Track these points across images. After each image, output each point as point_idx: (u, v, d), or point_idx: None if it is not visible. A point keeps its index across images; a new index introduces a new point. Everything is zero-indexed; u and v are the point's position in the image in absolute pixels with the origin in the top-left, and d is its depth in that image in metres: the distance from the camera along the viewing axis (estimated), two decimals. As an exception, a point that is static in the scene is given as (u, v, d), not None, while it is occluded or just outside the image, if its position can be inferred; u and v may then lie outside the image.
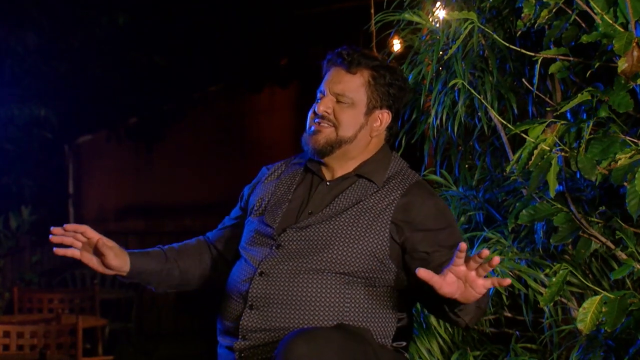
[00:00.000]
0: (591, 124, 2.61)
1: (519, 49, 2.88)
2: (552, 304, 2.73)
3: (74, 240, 2.45)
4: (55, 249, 2.45)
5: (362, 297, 2.39)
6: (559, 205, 2.83)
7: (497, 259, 2.07)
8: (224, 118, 10.43)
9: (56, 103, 8.61)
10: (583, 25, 2.73)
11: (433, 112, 3.20)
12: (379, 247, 2.39)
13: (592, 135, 2.62)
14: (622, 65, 2.47)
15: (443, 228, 2.43)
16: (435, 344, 3.24)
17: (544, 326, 3.12)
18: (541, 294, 2.94)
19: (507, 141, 3.13)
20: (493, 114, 3.06)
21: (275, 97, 10.16)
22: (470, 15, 2.76)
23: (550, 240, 2.86)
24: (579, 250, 2.87)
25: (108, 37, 8.72)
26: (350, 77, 2.49)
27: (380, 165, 2.52)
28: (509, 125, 2.83)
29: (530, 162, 2.65)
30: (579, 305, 2.83)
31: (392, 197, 2.44)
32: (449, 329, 3.26)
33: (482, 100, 3.05)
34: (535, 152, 2.65)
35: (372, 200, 2.45)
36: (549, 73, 2.85)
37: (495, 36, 2.92)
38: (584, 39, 2.57)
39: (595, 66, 2.63)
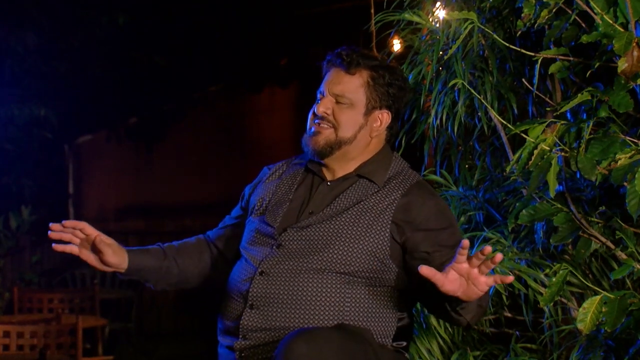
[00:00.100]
0: (591, 124, 2.61)
1: (519, 49, 2.88)
2: (552, 304, 2.73)
3: (73, 236, 2.46)
4: (54, 245, 2.46)
5: (362, 296, 2.39)
6: (559, 205, 2.83)
7: (499, 256, 2.07)
8: (224, 118, 10.43)
9: (56, 103, 8.61)
10: (583, 25, 2.73)
11: (433, 112, 3.20)
12: (379, 246, 2.39)
13: (592, 135, 2.62)
14: (622, 65, 2.47)
15: (444, 228, 2.43)
16: (435, 344, 3.24)
17: (544, 326, 3.12)
18: (541, 294, 2.94)
19: (507, 141, 3.13)
20: (493, 114, 3.06)
21: (275, 97, 10.16)
22: (470, 15, 2.76)
23: (550, 240, 2.86)
24: (579, 250, 2.87)
25: (108, 37, 8.72)
26: (349, 78, 2.49)
27: (381, 166, 2.52)
28: (509, 125, 2.83)
29: (530, 162, 2.65)
30: (579, 305, 2.83)
31: (392, 197, 2.45)
32: (449, 329, 3.26)
33: (482, 100, 3.06)
34: (535, 152, 2.65)
35: (372, 200, 2.45)
36: (549, 73, 2.85)
37: (495, 36, 2.92)
38: (584, 39, 2.57)
39: (595, 66, 2.63)
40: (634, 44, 2.46)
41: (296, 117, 9.41)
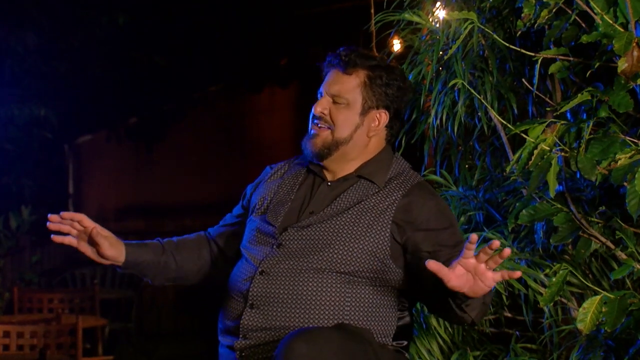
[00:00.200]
0: (591, 124, 2.61)
1: (519, 49, 2.88)
2: (552, 304, 2.73)
3: (71, 228, 2.47)
4: (52, 236, 2.47)
5: (362, 296, 2.39)
6: (559, 205, 2.83)
7: (507, 250, 2.06)
8: (224, 118, 10.43)
9: (56, 103, 8.62)
10: (583, 25, 2.73)
11: (433, 112, 3.20)
12: (379, 246, 2.39)
13: (592, 135, 2.62)
14: (622, 65, 2.47)
15: (444, 228, 2.43)
16: (435, 344, 3.24)
17: (544, 326, 3.12)
18: (541, 294, 2.94)
19: (507, 141, 3.13)
20: (493, 114, 3.06)
21: (275, 97, 10.16)
22: (470, 15, 2.76)
23: (550, 240, 2.86)
24: (579, 250, 2.87)
25: (108, 37, 8.72)
26: (346, 78, 2.50)
27: (382, 166, 2.52)
28: (509, 125, 2.83)
29: (530, 162, 2.65)
30: (579, 305, 2.83)
31: (393, 198, 2.45)
32: (449, 329, 3.26)
33: (482, 100, 3.06)
34: (535, 152, 2.65)
35: (373, 201, 2.45)
36: (549, 73, 2.85)
37: (495, 36, 2.92)
38: (584, 39, 2.57)
39: (595, 66, 2.63)
40: (634, 44, 2.46)
41: (296, 117, 9.42)
